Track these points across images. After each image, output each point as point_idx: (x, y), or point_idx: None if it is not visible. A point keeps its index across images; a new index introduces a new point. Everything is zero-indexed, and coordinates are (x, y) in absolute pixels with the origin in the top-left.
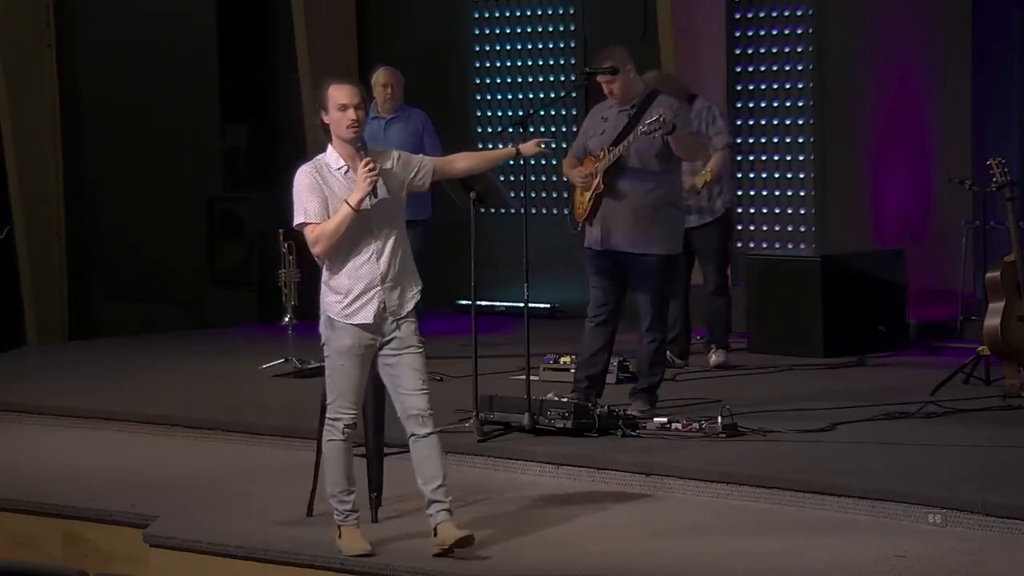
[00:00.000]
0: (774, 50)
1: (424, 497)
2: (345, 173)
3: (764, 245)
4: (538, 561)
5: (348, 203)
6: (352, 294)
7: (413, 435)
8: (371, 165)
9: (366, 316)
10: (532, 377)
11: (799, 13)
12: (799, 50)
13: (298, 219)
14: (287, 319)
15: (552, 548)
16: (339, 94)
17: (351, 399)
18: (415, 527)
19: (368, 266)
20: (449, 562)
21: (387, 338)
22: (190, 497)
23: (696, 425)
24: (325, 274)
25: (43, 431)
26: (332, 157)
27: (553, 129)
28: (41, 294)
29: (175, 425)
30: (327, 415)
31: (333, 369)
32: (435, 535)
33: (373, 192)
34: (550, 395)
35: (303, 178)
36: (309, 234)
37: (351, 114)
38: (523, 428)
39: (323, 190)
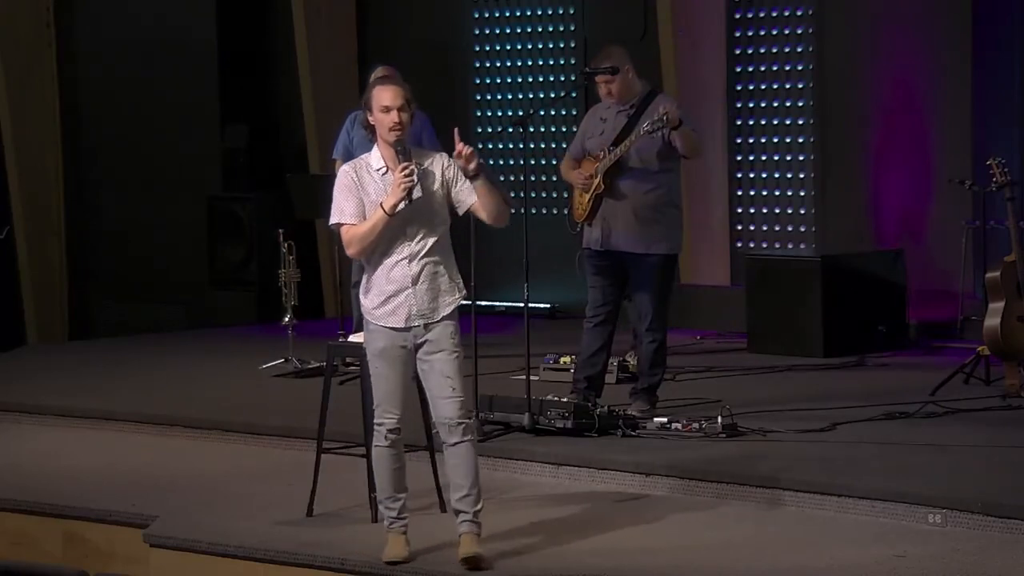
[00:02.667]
0: (774, 50)
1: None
2: (383, 175)
3: (764, 245)
4: (538, 561)
5: (382, 207)
6: (384, 295)
7: (444, 443)
8: (408, 170)
9: (397, 319)
10: (532, 377)
11: (799, 13)
12: (799, 50)
13: (333, 219)
14: (287, 319)
15: (552, 548)
16: (382, 96)
17: (391, 403)
18: (414, 527)
19: (400, 268)
20: (448, 563)
21: (419, 341)
22: (190, 497)
23: (696, 425)
24: (363, 276)
25: (43, 431)
26: (375, 157)
27: (553, 129)
28: (41, 294)
29: (174, 425)
30: (375, 420)
31: (372, 373)
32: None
33: (408, 196)
34: (550, 395)
35: (341, 178)
36: (344, 235)
37: (393, 116)
38: (523, 428)
39: (358, 191)
